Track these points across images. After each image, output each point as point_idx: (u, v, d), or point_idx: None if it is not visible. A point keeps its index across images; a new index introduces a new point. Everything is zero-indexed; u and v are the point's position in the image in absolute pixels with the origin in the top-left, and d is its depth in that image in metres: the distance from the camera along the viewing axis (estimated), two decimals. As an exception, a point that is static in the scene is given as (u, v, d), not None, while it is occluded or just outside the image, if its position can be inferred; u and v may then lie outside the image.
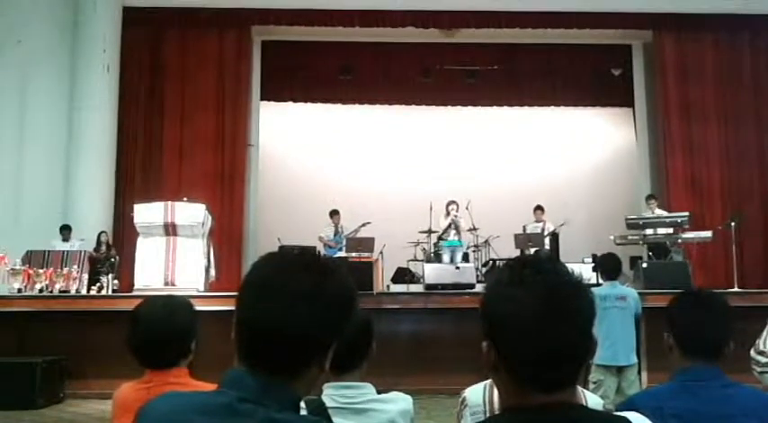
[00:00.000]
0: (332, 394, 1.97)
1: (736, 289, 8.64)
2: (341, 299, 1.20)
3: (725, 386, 1.95)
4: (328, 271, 1.22)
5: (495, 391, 1.97)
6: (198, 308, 2.22)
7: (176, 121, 11.61)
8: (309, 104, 13.52)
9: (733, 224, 9.26)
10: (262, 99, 12.56)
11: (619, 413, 1.27)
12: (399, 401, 2.06)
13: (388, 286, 9.81)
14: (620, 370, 5.35)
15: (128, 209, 9.10)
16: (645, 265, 8.90)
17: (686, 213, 9.43)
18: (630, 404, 1.83)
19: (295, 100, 13.43)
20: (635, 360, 5.44)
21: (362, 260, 9.51)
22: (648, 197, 10.42)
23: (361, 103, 13.60)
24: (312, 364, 1.18)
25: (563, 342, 1.14)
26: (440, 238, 10.45)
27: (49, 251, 9.02)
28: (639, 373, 5.61)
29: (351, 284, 1.24)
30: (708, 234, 9.35)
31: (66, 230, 9.76)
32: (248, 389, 1.14)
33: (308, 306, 1.15)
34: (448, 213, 10.51)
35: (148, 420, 1.17)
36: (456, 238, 10.32)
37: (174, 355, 2.06)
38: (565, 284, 1.19)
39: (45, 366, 7.31)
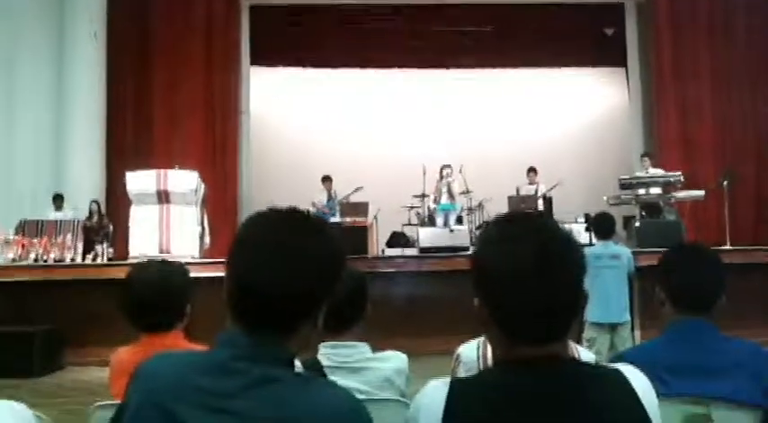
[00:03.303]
0: (327, 353, 1.98)
1: (728, 246, 8.70)
2: (330, 256, 1.21)
3: (716, 339, 1.96)
4: (317, 229, 1.22)
5: (489, 348, 1.99)
6: (193, 275, 2.23)
7: (166, 88, 11.50)
8: (301, 69, 13.40)
9: (725, 183, 9.29)
10: (253, 64, 12.43)
11: (611, 365, 1.28)
12: (394, 360, 2.08)
13: (382, 250, 9.84)
14: (613, 328, 5.41)
15: (120, 177, 9.05)
16: (638, 224, 8.95)
17: (679, 173, 9.44)
18: (623, 358, 1.84)
19: (286, 65, 13.30)
20: (628, 318, 5.49)
21: (357, 225, 9.52)
22: (643, 155, 10.41)
23: (353, 66, 13.49)
24: (304, 321, 1.19)
25: (553, 295, 1.14)
26: (434, 202, 10.46)
27: (42, 220, 8.99)
28: (632, 331, 5.67)
29: (339, 242, 1.25)
30: (700, 193, 9.38)
31: (58, 200, 9.73)
32: (242, 347, 1.14)
33: (298, 263, 1.16)
34: (442, 177, 10.50)
35: (144, 379, 1.18)
36: (450, 201, 10.33)
37: (169, 318, 2.07)
38: (554, 238, 1.19)
39: (43, 335, 7.35)
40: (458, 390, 1.17)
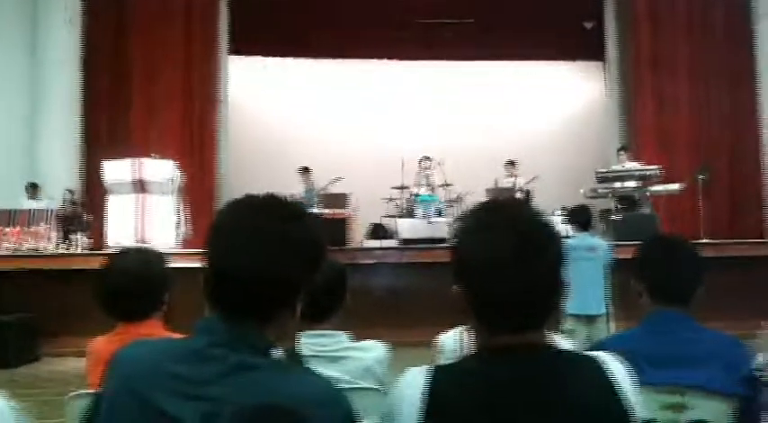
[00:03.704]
0: (307, 343, 1.98)
1: (703, 240, 8.81)
2: (308, 242, 1.20)
3: (692, 330, 1.99)
4: (295, 215, 1.21)
5: (469, 337, 2.00)
6: (171, 265, 2.20)
7: (143, 76, 11.34)
8: (280, 59, 13.31)
9: (701, 177, 9.39)
10: (232, 53, 12.32)
11: (589, 352, 1.29)
12: (375, 349, 2.08)
13: (362, 242, 9.83)
14: (589, 319, 5.46)
15: (97, 166, 8.93)
16: (614, 217, 9.03)
17: (656, 167, 9.53)
18: (600, 346, 1.86)
19: (266, 54, 13.19)
20: (604, 310, 5.55)
21: (336, 216, 9.49)
22: (619, 149, 10.49)
23: (333, 57, 13.42)
24: (282, 308, 1.18)
25: (530, 283, 1.15)
26: (413, 194, 10.46)
27: (15, 210, 8.84)
28: (609, 322, 5.72)
29: (318, 228, 1.23)
30: (676, 187, 9.47)
31: (32, 188, 9.59)
32: (219, 334, 1.13)
33: (276, 249, 1.14)
34: (421, 169, 10.50)
35: (120, 366, 1.17)
36: (429, 193, 10.34)
37: (146, 306, 2.05)
38: (532, 227, 1.19)
39: (18, 325, 7.26)
40: (437, 377, 1.17)
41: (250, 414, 1.05)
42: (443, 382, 1.16)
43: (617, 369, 1.19)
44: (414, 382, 1.18)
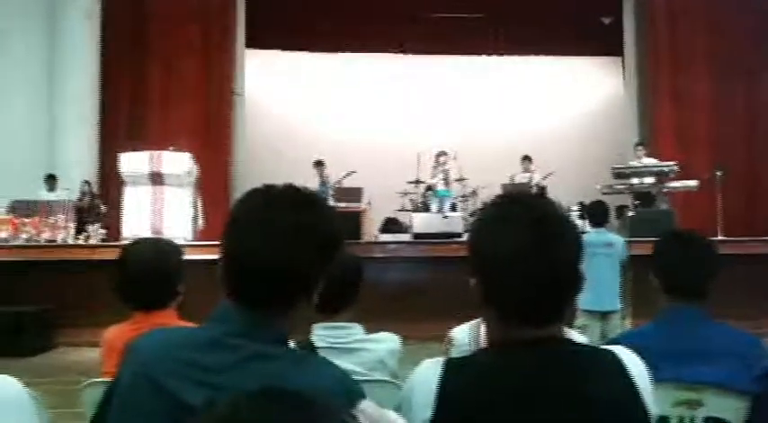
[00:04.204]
0: (321, 334, 1.98)
1: (719, 237, 8.73)
2: (326, 233, 1.19)
3: (708, 326, 1.98)
4: (313, 206, 1.20)
5: (482, 331, 1.99)
6: (186, 257, 2.22)
7: (160, 69, 11.42)
8: (297, 53, 13.33)
9: (719, 174, 9.30)
10: (249, 47, 12.35)
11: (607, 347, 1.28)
12: (387, 341, 2.09)
13: (376, 236, 9.83)
14: (604, 316, 5.43)
15: (114, 158, 8.99)
16: (631, 213, 8.96)
17: (673, 163, 9.43)
18: (615, 342, 1.85)
19: (283, 48, 13.23)
20: (619, 306, 5.52)
21: (350, 210, 9.49)
22: (637, 144, 10.40)
23: (349, 51, 13.42)
24: (298, 299, 1.18)
25: (550, 275, 1.14)
26: (429, 188, 10.44)
27: (34, 201, 8.93)
28: (623, 319, 5.70)
29: (335, 219, 1.23)
30: (694, 183, 9.38)
31: (51, 180, 9.68)
32: (236, 324, 1.14)
33: (293, 240, 1.14)
34: (438, 164, 10.47)
35: (136, 354, 1.18)
36: (445, 187, 10.31)
37: (162, 296, 2.06)
38: (550, 217, 1.19)
39: (34, 315, 7.33)
40: (452, 369, 1.17)
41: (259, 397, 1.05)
42: (458, 375, 1.16)
43: (634, 364, 1.19)
44: (428, 375, 1.18)
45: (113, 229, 8.92)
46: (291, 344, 1.24)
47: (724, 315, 2.07)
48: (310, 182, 10.51)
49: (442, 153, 10.49)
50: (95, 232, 8.63)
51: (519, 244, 1.14)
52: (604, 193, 9.24)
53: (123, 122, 11.22)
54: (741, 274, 7.39)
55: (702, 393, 1.86)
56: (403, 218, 10.69)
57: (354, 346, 2.01)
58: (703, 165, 10.62)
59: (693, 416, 1.87)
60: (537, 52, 13.52)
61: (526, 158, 10.77)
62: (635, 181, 9.39)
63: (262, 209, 1.18)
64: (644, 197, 9.38)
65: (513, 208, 1.21)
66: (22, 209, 8.66)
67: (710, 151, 11.36)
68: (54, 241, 8.33)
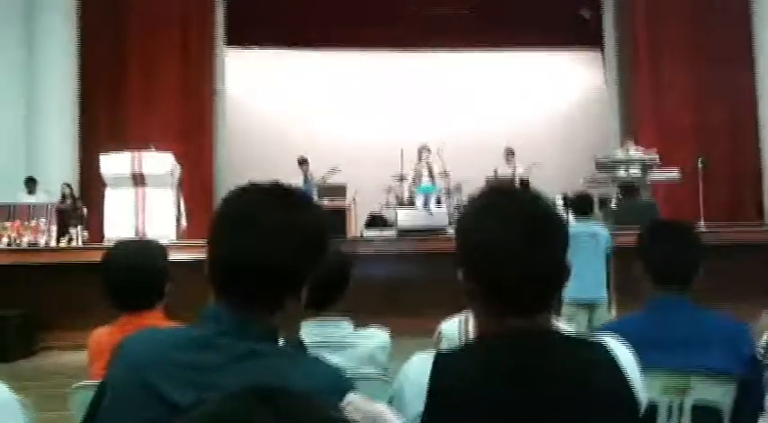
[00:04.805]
0: (310, 331, 1.97)
1: (702, 227, 8.80)
2: (313, 230, 1.18)
3: (694, 312, 1.99)
4: (300, 203, 1.20)
5: (471, 324, 2.00)
6: (171, 258, 2.20)
7: (140, 69, 11.31)
8: (279, 50, 13.27)
9: (701, 165, 9.38)
10: (229, 44, 12.29)
11: (595, 336, 1.29)
12: (377, 336, 2.09)
13: (361, 232, 9.83)
14: (590, 306, 5.46)
15: (94, 160, 8.91)
16: (614, 205, 9.03)
17: (654, 154, 9.51)
18: (603, 331, 1.86)
19: (264, 45, 13.15)
20: (605, 296, 5.55)
21: (335, 207, 9.49)
22: (626, 136, 10.51)
23: (330, 48, 13.37)
24: (288, 296, 1.17)
25: (537, 265, 1.14)
26: (414, 183, 10.44)
27: (14, 204, 8.83)
28: (609, 308, 5.73)
29: (324, 217, 1.23)
30: (676, 174, 9.47)
31: (31, 183, 9.57)
32: (226, 323, 1.13)
33: (281, 237, 1.13)
34: (421, 158, 10.47)
35: (126, 355, 1.16)
36: (429, 182, 10.31)
37: (148, 297, 2.05)
38: (537, 207, 1.19)
39: (18, 319, 7.26)
40: (443, 362, 1.17)
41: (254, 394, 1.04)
42: (449, 368, 1.16)
43: (623, 353, 1.19)
44: (419, 369, 1.17)
45: (95, 231, 8.84)
46: (281, 341, 1.23)
47: (707, 302, 2.08)
48: (294, 179, 10.49)
49: (425, 147, 10.49)
50: (78, 235, 8.55)
51: (506, 234, 1.14)
52: (588, 186, 9.30)
53: (104, 124, 11.10)
54: (724, 263, 7.46)
55: (690, 379, 1.87)
56: (388, 213, 10.69)
57: (344, 342, 2.01)
58: (685, 155, 10.71)
59: (682, 402, 1.88)
60: (518, 46, 13.55)
61: (509, 152, 10.80)
62: (617, 172, 9.46)
63: (249, 207, 1.17)
64: (627, 188, 9.45)
65: (501, 199, 1.21)
66: (3, 213, 8.56)
67: (692, 141, 11.45)
68: (36, 244, 8.25)
